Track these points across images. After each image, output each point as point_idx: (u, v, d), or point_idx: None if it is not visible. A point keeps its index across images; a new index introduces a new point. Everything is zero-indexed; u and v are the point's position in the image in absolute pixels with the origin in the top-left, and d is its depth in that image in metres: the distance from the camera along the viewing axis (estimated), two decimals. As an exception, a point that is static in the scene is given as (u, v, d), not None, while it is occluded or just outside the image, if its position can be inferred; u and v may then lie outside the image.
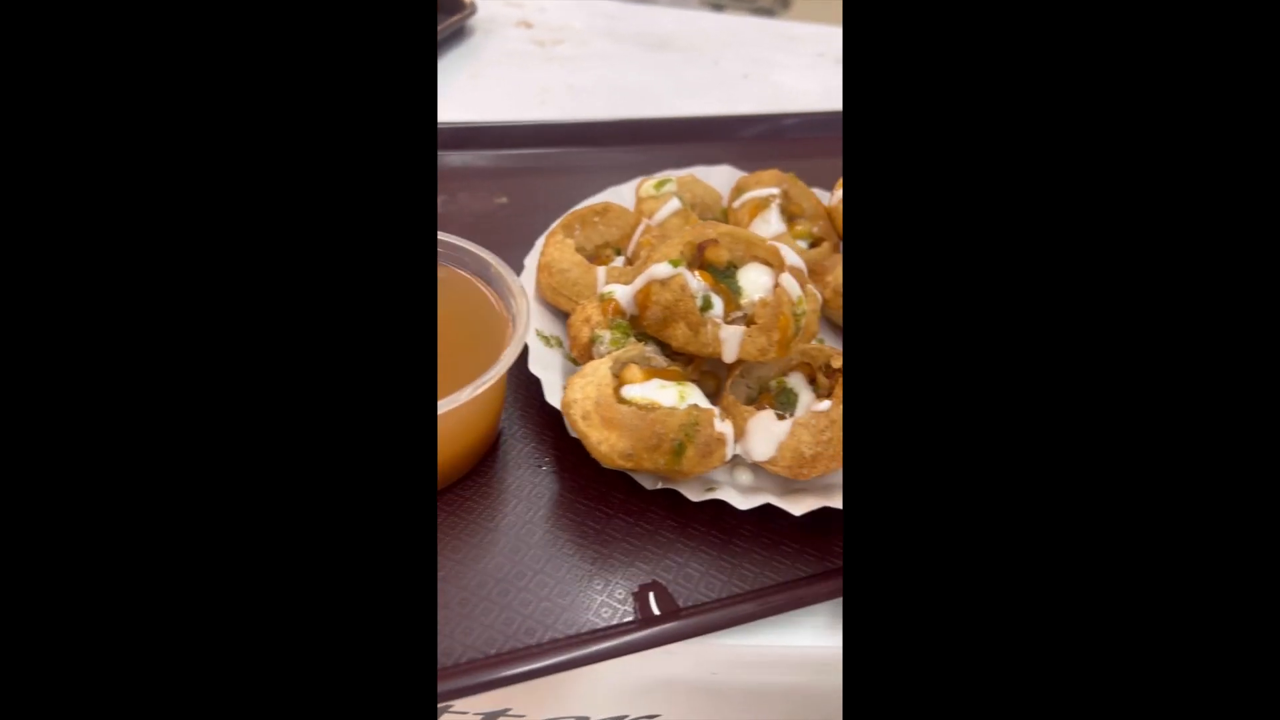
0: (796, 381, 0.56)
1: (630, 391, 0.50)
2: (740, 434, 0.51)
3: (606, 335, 0.53)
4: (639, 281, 0.54)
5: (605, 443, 0.48)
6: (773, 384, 0.56)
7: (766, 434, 0.50)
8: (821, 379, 0.55)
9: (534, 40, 1.19)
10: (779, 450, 0.49)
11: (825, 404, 0.51)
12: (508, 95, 1.03)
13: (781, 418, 0.51)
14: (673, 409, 0.48)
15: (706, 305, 0.53)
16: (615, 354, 0.52)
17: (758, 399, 0.55)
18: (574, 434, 0.51)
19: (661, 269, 0.53)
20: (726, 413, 0.53)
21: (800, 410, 0.54)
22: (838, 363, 0.54)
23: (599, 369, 0.50)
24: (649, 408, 0.49)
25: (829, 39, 1.31)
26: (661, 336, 0.53)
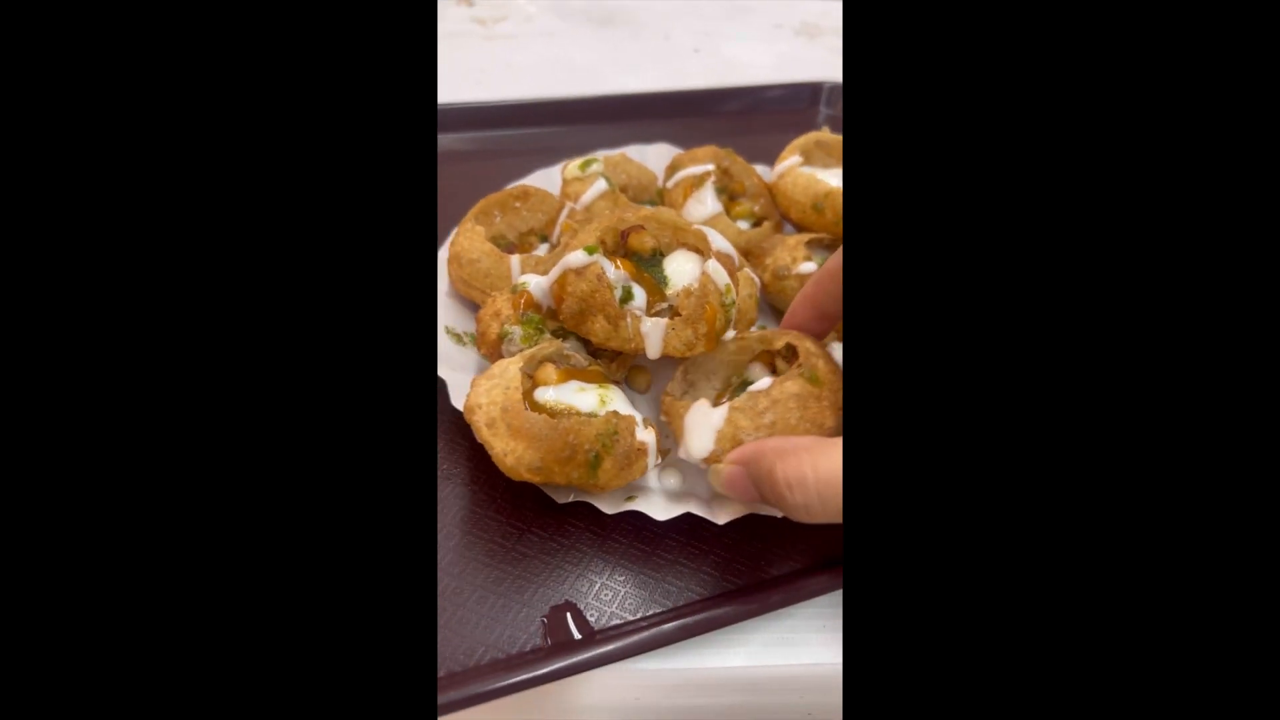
0: (756, 373, 0.50)
1: (544, 395, 0.45)
2: (679, 434, 0.46)
3: (517, 331, 0.49)
4: (554, 272, 0.49)
5: (511, 454, 0.43)
6: (733, 379, 0.51)
7: (702, 426, 0.44)
8: (783, 366, 0.49)
9: (474, 19, 1.13)
10: (717, 441, 0.44)
11: (765, 381, 0.45)
12: (441, 78, 0.97)
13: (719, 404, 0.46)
14: (589, 416, 0.44)
15: (627, 296, 0.48)
16: (528, 352, 0.47)
17: (713, 401, 0.49)
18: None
19: (577, 257, 0.48)
20: (665, 413, 0.48)
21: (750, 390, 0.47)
22: (802, 342, 0.48)
23: (508, 370, 0.45)
24: (564, 414, 0.44)
25: (785, 10, 1.26)
26: (580, 331, 0.49)
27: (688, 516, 0.45)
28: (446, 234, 0.61)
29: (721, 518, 0.45)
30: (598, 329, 0.47)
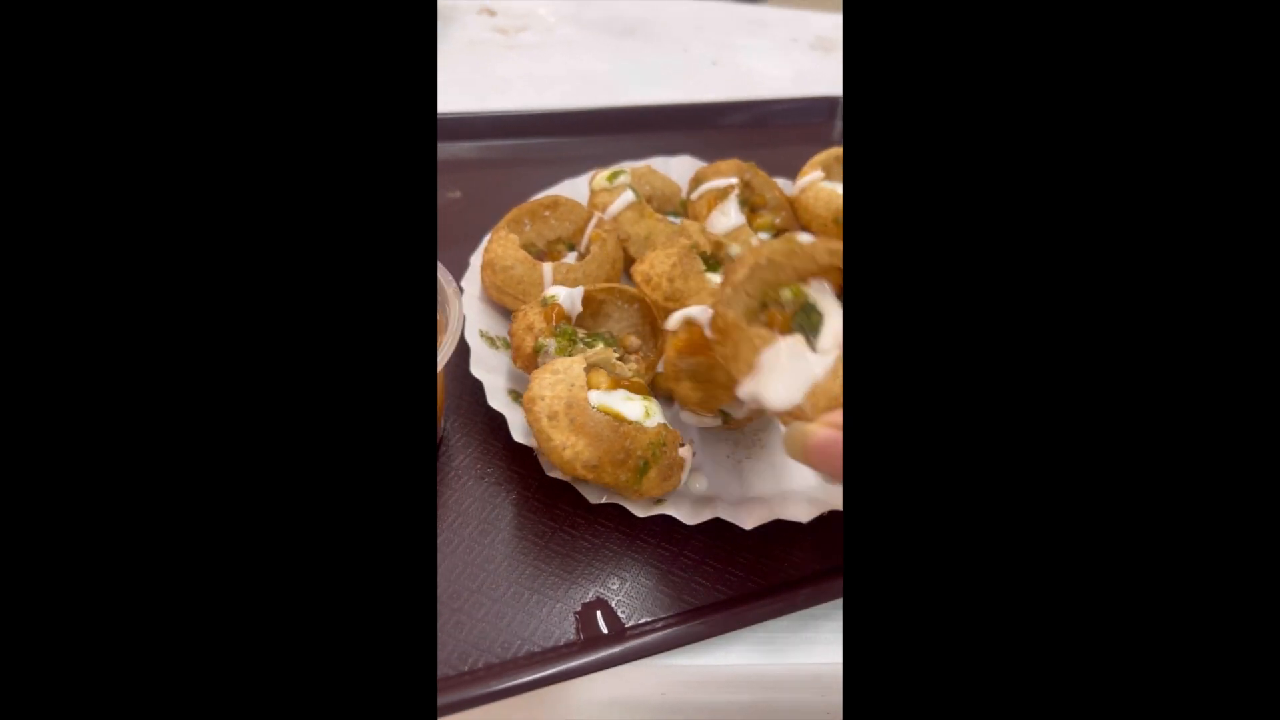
0: (820, 293, 0.40)
1: (596, 398, 0.47)
2: (746, 367, 0.37)
3: (552, 344, 0.50)
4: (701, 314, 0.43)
5: (570, 449, 0.44)
6: (785, 294, 0.40)
7: (791, 371, 0.36)
8: None
9: (496, 28, 1.15)
10: (811, 395, 0.35)
11: None
12: (467, 86, 0.99)
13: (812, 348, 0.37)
14: (643, 426, 0.46)
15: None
16: (587, 354, 0.49)
17: (764, 317, 0.40)
18: (522, 435, 0.48)
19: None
20: (724, 336, 0.38)
21: (831, 331, 0.39)
22: None
23: (572, 367, 0.47)
24: (619, 419, 0.46)
25: (801, 23, 1.28)
26: (707, 406, 0.48)
27: (715, 521, 0.47)
28: (475, 239, 0.63)
29: (748, 523, 0.46)
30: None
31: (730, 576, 0.46)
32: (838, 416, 0.33)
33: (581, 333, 0.52)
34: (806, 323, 0.40)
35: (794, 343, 0.37)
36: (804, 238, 0.40)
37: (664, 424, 0.46)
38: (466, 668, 0.41)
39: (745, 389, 0.37)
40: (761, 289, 0.40)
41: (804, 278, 0.40)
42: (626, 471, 0.44)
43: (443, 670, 0.41)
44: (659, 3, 1.32)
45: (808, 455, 0.34)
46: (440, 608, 0.44)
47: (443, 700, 0.39)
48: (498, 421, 0.52)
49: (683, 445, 0.46)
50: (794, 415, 0.36)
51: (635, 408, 0.47)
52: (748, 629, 0.44)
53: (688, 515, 0.46)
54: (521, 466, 0.51)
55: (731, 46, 1.18)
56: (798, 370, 0.36)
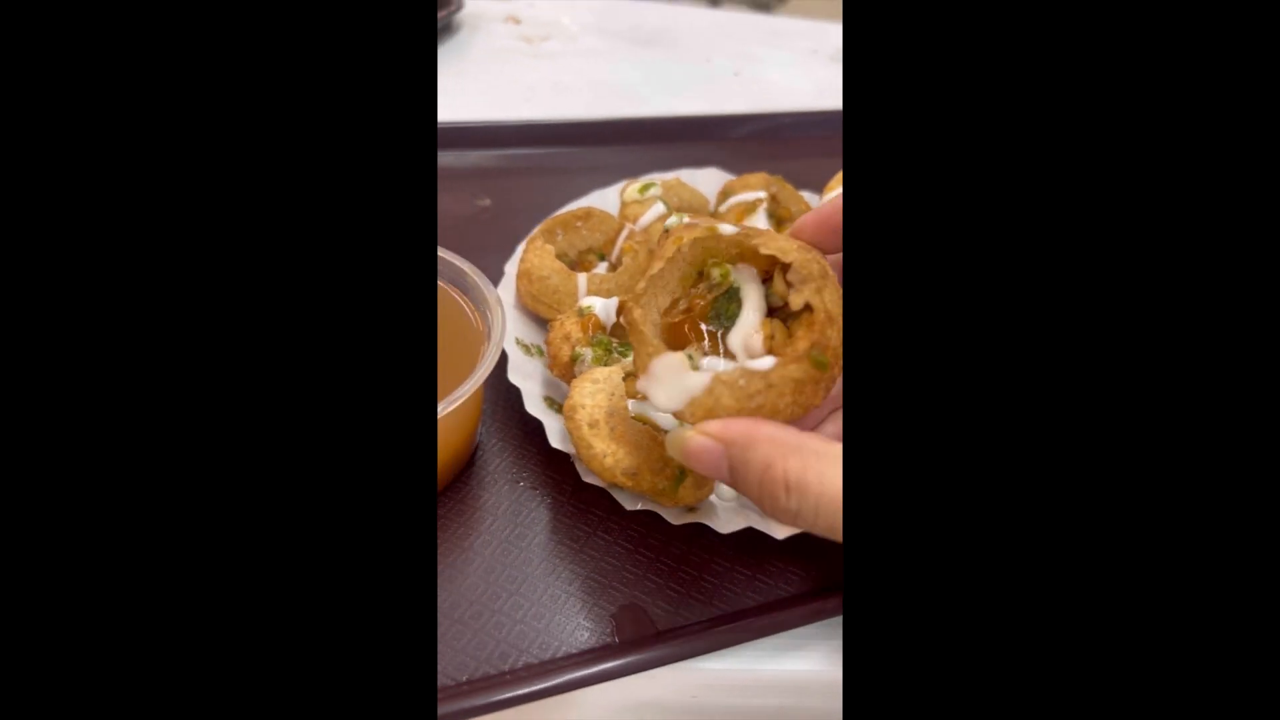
0: (745, 278, 0.41)
1: (633, 407, 0.48)
2: (641, 367, 0.40)
3: (588, 353, 0.52)
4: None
5: (611, 456, 0.45)
6: (714, 273, 0.41)
7: (673, 384, 0.38)
8: (779, 284, 0.40)
9: (521, 36, 1.17)
10: (690, 405, 0.38)
11: (766, 361, 0.38)
12: (493, 93, 1.01)
13: (692, 358, 0.39)
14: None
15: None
16: (622, 363, 0.50)
17: (684, 303, 0.42)
18: (559, 441, 0.49)
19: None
20: (630, 329, 0.40)
21: (741, 331, 0.40)
22: (807, 267, 0.38)
23: (612, 377, 0.48)
24: (655, 428, 0.47)
25: (821, 35, 1.29)
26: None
27: (747, 530, 0.48)
28: (505, 247, 0.65)
29: (780, 532, 0.47)
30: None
31: (760, 583, 0.48)
32: (712, 427, 0.36)
33: (616, 342, 0.53)
34: (724, 311, 0.41)
35: (676, 360, 0.39)
36: (725, 229, 0.41)
37: None
38: (507, 667, 0.42)
39: (640, 385, 0.39)
40: (697, 262, 0.42)
41: (732, 260, 0.42)
42: (664, 479, 0.45)
43: (484, 670, 0.42)
44: (679, 13, 1.34)
45: (689, 457, 0.37)
46: (479, 608, 0.45)
47: (483, 700, 0.41)
48: (532, 427, 0.54)
49: None
50: (679, 417, 0.39)
51: (668, 416, 0.48)
52: (779, 634, 0.45)
53: (721, 524, 0.47)
54: (556, 472, 0.52)
55: (752, 58, 1.20)
56: (678, 383, 0.38)
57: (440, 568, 0.47)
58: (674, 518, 0.48)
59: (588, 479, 0.49)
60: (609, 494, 0.50)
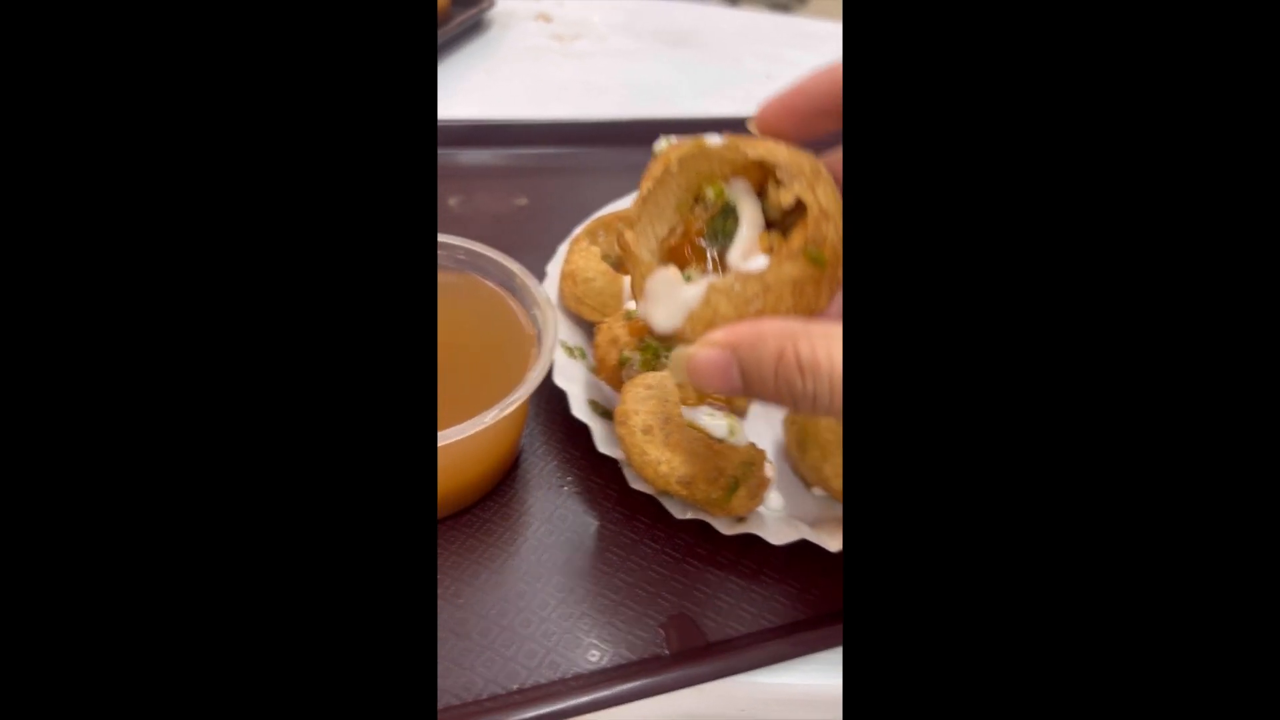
0: (740, 193, 0.39)
1: (684, 414, 0.47)
2: (638, 291, 0.39)
3: (637, 358, 0.51)
4: None
5: (666, 464, 0.45)
6: (709, 193, 0.40)
7: (670, 300, 0.37)
8: (774, 194, 0.38)
9: (552, 35, 1.16)
10: (689, 320, 0.37)
11: (759, 260, 0.37)
12: (525, 91, 1.00)
13: (689, 277, 0.38)
14: (734, 445, 0.46)
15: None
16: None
17: (677, 226, 0.40)
18: (606, 446, 0.49)
19: None
20: (625, 255, 0.40)
21: (740, 246, 0.38)
22: (812, 190, 0.36)
23: (665, 383, 0.47)
24: (706, 435, 0.46)
25: (851, 39, 1.28)
26: None
27: (800, 542, 0.47)
28: (544, 247, 0.64)
29: (833, 546, 0.47)
30: None
31: (809, 596, 0.47)
32: (716, 335, 0.35)
33: (663, 346, 0.52)
34: (722, 230, 0.40)
35: (669, 274, 0.38)
36: (712, 139, 0.39)
37: (752, 443, 0.46)
38: (558, 676, 0.42)
39: (639, 310, 0.39)
40: (691, 186, 0.40)
41: (724, 176, 0.40)
42: (718, 489, 0.45)
43: (533, 679, 0.42)
44: (707, 14, 1.33)
45: (697, 374, 0.36)
46: (528, 615, 0.44)
47: (535, 712, 0.40)
48: (576, 430, 0.53)
49: (770, 467, 0.47)
50: (680, 339, 0.38)
51: (719, 424, 0.47)
52: (828, 649, 0.45)
53: (772, 535, 0.47)
54: (600, 477, 0.52)
55: (783, 60, 1.19)
56: (675, 298, 0.37)
57: (486, 573, 0.46)
58: (725, 527, 0.47)
59: (636, 485, 0.49)
60: (655, 500, 0.49)
